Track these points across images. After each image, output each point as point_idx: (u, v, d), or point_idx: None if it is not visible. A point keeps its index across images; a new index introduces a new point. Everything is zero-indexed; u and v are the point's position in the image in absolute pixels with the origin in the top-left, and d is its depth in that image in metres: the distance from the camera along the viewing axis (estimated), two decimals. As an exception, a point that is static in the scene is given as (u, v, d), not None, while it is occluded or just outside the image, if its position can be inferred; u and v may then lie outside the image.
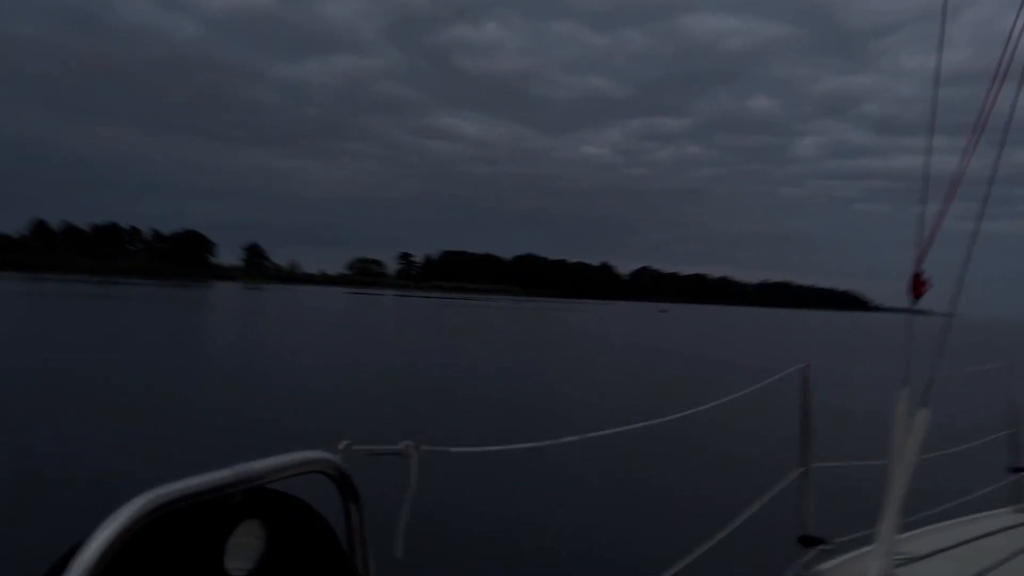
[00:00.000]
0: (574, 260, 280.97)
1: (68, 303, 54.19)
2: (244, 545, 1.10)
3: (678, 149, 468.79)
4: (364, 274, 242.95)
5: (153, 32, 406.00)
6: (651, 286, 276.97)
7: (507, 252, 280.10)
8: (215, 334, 38.16)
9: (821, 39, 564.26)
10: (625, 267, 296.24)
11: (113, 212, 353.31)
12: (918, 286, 3.33)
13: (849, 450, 9.83)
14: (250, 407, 14.78)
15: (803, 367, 3.48)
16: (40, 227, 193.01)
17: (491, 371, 22.74)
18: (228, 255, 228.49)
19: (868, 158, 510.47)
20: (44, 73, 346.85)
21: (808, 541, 3.32)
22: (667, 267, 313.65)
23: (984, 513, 4.26)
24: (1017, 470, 4.53)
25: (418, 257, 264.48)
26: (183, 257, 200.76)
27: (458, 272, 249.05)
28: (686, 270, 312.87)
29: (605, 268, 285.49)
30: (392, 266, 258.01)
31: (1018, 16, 2.83)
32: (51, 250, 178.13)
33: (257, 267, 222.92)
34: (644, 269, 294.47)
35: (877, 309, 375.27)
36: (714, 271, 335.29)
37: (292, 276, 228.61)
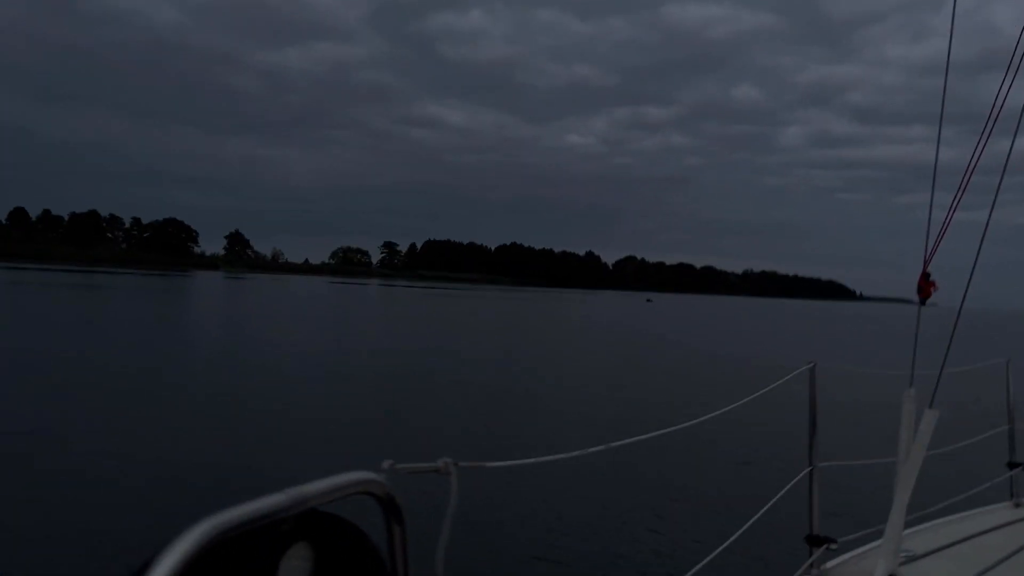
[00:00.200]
0: (559, 249, 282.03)
1: (50, 293, 53.60)
2: (294, 568, 1.10)
3: (663, 138, 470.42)
4: (348, 263, 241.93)
5: (131, 17, 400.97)
6: (636, 275, 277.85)
7: (492, 241, 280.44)
8: (204, 324, 37.89)
9: (805, 28, 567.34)
10: (610, 256, 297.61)
11: (93, 200, 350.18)
12: (925, 287, 3.33)
13: (853, 448, 10.03)
14: (264, 407, 14.89)
15: (810, 367, 3.47)
16: (18, 215, 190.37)
17: (491, 372, 22.64)
18: (210, 244, 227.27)
19: (851, 148, 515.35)
20: (19, 60, 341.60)
21: (815, 540, 3.33)
22: (652, 256, 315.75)
23: (984, 508, 4.32)
24: (1015, 465, 4.60)
25: (402, 246, 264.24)
26: (164, 245, 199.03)
27: (443, 261, 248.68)
28: (671, 259, 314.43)
29: (590, 257, 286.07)
30: (376, 255, 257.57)
31: None
32: (30, 239, 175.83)
33: (240, 256, 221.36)
34: (629, 258, 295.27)
35: (861, 298, 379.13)
36: (699, 260, 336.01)
37: (275, 265, 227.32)
